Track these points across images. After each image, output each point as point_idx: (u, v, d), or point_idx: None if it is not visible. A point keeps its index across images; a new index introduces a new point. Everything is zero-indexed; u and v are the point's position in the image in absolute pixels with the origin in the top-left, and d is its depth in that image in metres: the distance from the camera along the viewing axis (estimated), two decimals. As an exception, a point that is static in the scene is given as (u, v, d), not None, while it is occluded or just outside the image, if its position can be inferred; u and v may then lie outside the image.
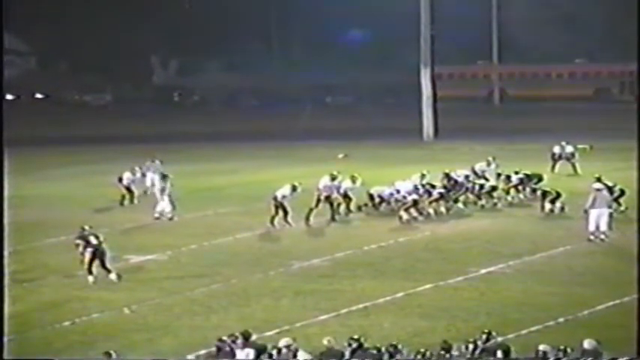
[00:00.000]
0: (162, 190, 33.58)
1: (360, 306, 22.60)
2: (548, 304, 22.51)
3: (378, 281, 24.89)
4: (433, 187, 33.51)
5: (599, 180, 31.28)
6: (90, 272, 24.72)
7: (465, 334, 19.00)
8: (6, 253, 17.23)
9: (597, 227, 28.78)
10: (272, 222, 31.67)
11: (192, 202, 35.45)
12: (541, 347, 16.48)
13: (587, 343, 16.58)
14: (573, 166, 42.30)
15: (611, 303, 22.44)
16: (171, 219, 33.29)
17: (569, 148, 42.62)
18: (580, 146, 47.52)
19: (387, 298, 23.20)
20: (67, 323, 21.55)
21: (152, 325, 21.42)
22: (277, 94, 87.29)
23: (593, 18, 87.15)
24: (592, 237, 28.80)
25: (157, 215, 33.46)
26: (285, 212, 31.67)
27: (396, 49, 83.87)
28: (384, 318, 21.67)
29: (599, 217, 28.77)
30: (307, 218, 32.27)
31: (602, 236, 28.80)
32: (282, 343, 16.98)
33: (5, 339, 16.89)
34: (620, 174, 35.62)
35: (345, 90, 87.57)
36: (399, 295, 23.50)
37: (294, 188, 31.98)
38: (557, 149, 42.55)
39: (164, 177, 33.99)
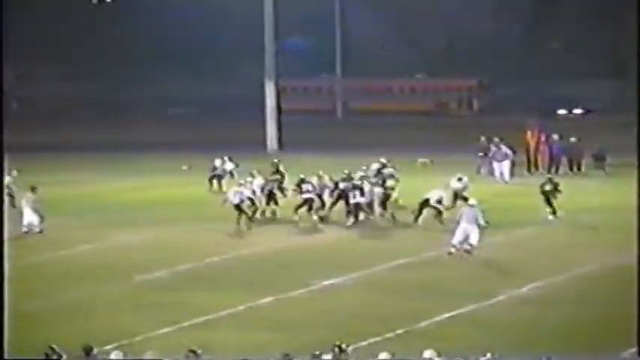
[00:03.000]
0: (27, 202, 32.74)
1: (202, 319, 22.46)
2: (388, 315, 22.76)
3: (220, 294, 24.77)
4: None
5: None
6: None
7: (306, 345, 19.05)
8: (6, 253, 16.70)
9: (466, 239, 28.77)
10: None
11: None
12: (381, 356, 16.61)
13: (427, 354, 16.81)
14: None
15: (447, 315, 22.83)
16: (40, 232, 32.48)
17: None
18: (421, 160, 48.34)
19: (230, 311, 23.12)
20: None
21: (-14, 340, 20.77)
22: (118, 104, 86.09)
23: (434, 34, 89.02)
24: (453, 250, 28.81)
25: (25, 229, 32.44)
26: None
27: (240, 61, 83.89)
28: (226, 330, 21.57)
29: (466, 231, 28.94)
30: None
31: (468, 247, 28.75)
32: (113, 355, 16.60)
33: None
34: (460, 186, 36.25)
35: (188, 101, 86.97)
36: (241, 307, 23.46)
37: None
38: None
39: (33, 189, 33.08)
